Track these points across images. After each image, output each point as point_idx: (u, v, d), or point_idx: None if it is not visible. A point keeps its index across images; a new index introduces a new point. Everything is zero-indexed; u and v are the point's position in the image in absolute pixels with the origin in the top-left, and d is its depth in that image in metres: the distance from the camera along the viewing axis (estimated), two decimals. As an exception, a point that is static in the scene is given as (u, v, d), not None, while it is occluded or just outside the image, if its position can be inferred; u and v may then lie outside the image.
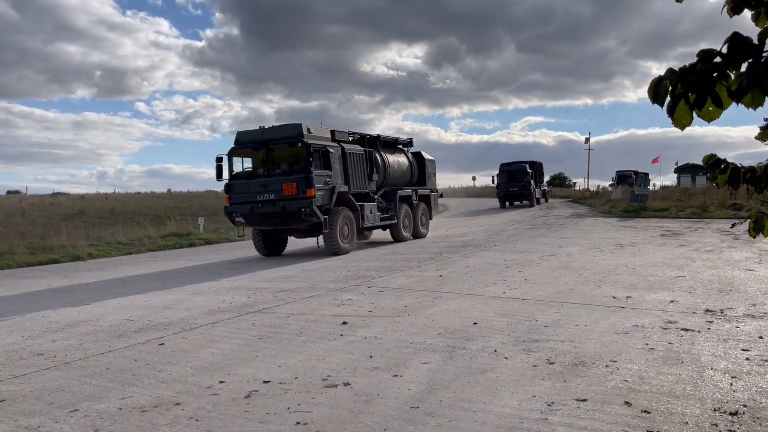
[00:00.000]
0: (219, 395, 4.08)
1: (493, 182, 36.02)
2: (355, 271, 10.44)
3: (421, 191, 17.42)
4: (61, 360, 5.28)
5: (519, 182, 33.46)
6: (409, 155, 17.77)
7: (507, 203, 34.54)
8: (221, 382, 4.38)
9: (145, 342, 5.81)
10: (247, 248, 16.21)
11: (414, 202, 16.75)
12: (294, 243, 16.52)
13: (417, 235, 16.94)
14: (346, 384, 4.17)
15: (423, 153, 18.24)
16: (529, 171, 34.23)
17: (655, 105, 1.97)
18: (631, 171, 48.13)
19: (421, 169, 17.88)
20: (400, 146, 17.69)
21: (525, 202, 34.24)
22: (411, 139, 18.08)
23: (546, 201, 39.43)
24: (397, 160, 16.84)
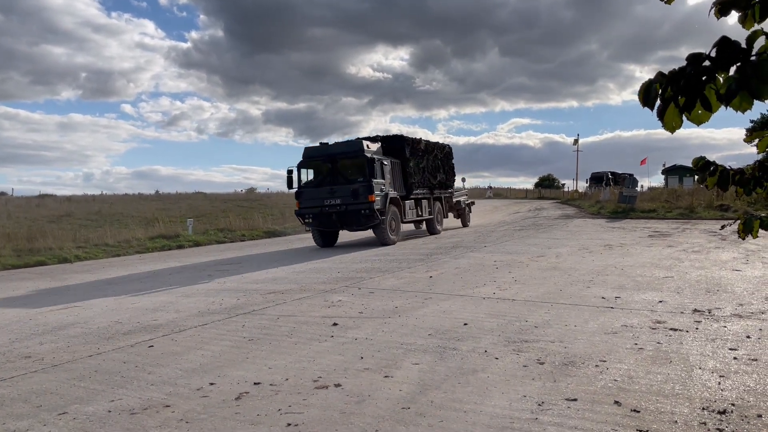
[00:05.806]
0: (209, 397, 4.06)
1: (290, 186, 16.11)
2: (345, 272, 10.42)
3: None
4: (49, 362, 5.23)
5: (346, 185, 15.34)
6: None
7: (327, 235, 16.49)
8: (211, 384, 4.35)
9: (134, 344, 5.76)
10: (236, 249, 16.13)
11: None
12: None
13: None
14: (337, 385, 4.16)
15: None
16: (374, 158, 15.36)
17: (641, 107, 1.98)
18: (608, 172, 48.03)
19: None
20: None
21: (366, 229, 16.16)
22: None
23: (466, 224, 21.76)
24: None
